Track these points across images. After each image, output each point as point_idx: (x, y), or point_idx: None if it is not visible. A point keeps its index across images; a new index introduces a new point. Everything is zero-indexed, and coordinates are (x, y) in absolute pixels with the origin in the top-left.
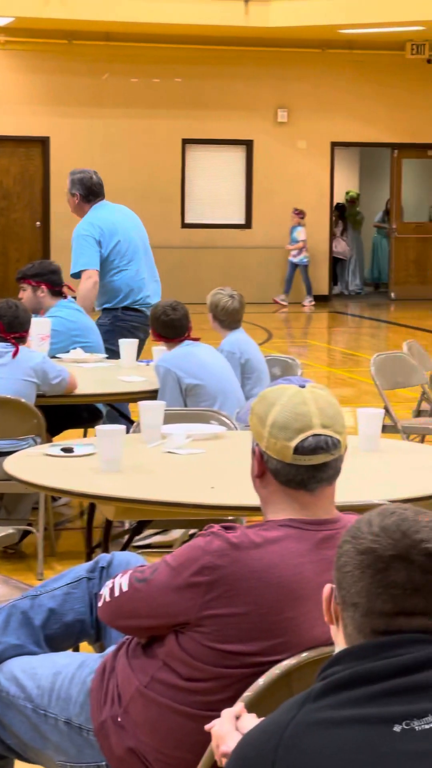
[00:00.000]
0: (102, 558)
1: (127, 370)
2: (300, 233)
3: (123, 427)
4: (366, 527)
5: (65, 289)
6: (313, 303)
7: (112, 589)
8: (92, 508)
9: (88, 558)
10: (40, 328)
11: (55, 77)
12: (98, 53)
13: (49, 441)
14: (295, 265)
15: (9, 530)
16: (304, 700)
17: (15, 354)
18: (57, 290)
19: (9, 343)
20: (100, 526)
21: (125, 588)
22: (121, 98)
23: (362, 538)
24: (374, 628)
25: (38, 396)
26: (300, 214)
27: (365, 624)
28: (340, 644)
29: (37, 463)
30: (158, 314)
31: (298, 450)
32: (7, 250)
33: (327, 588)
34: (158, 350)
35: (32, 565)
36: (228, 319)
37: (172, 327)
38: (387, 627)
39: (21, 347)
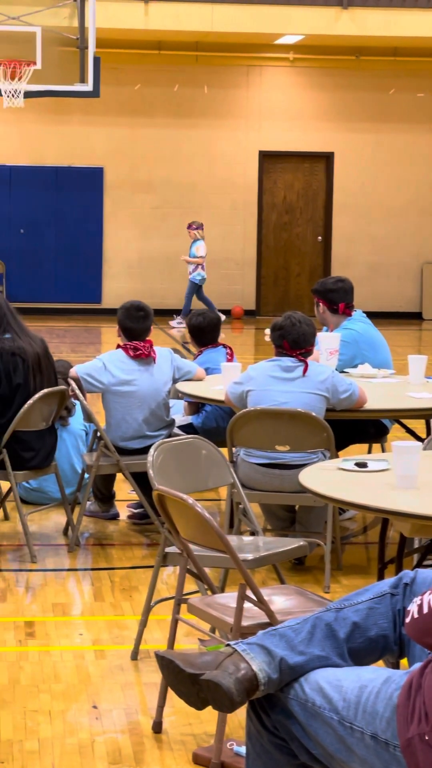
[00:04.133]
0: (405, 575)
1: (417, 386)
2: (199, 248)
3: (419, 443)
4: None
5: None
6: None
7: (420, 606)
8: (385, 523)
9: (380, 574)
10: (328, 342)
11: (342, 93)
12: (385, 68)
13: (336, 455)
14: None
15: (300, 542)
16: None
17: (305, 371)
18: (334, 308)
19: (296, 359)
20: (391, 541)
21: None
22: (406, 113)
23: None
24: None
25: (327, 410)
26: (194, 227)
27: None
28: None
29: (332, 477)
30: None
31: None
32: (289, 264)
33: None
34: None
35: (318, 577)
36: None
37: None
38: None
39: (309, 362)
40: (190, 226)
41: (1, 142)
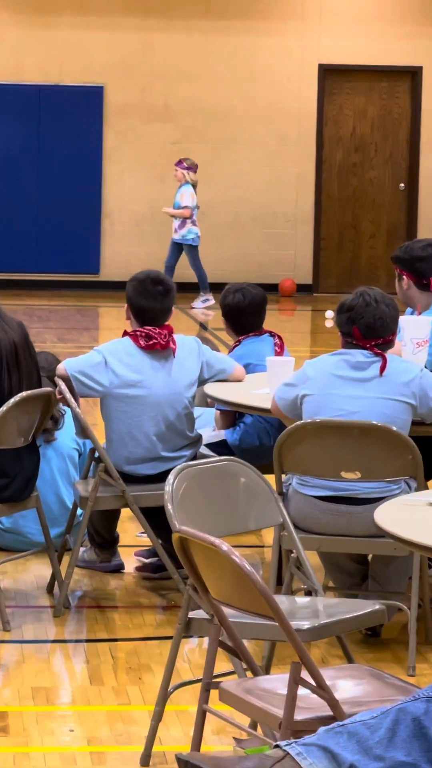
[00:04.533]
0: None
1: None
2: (184, 195)
3: None
4: None
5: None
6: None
7: None
8: None
9: None
10: (415, 330)
11: None
12: None
13: (425, 486)
14: (177, 246)
15: (375, 606)
16: None
17: (383, 369)
18: (424, 284)
19: (371, 353)
20: None
21: None
22: None
23: None
24: None
25: (414, 423)
26: (185, 165)
27: None
28: None
29: (419, 516)
30: None
31: None
32: (359, 221)
33: None
34: None
35: (400, 655)
36: None
37: None
38: None
39: (389, 356)
40: (179, 164)
41: None
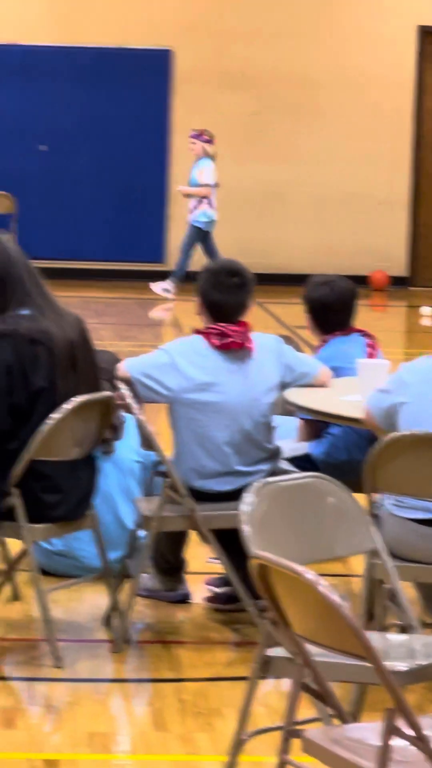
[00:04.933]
0: None
1: None
2: (203, 172)
3: None
4: None
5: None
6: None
7: None
8: None
9: None
10: None
11: None
12: None
13: None
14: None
15: None
16: None
17: None
18: None
19: None
20: None
21: None
22: None
23: None
24: None
25: None
26: (205, 138)
27: None
28: None
29: None
30: None
31: None
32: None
33: None
34: None
35: None
36: None
37: None
38: None
39: None
40: (198, 136)
41: (14, 12)
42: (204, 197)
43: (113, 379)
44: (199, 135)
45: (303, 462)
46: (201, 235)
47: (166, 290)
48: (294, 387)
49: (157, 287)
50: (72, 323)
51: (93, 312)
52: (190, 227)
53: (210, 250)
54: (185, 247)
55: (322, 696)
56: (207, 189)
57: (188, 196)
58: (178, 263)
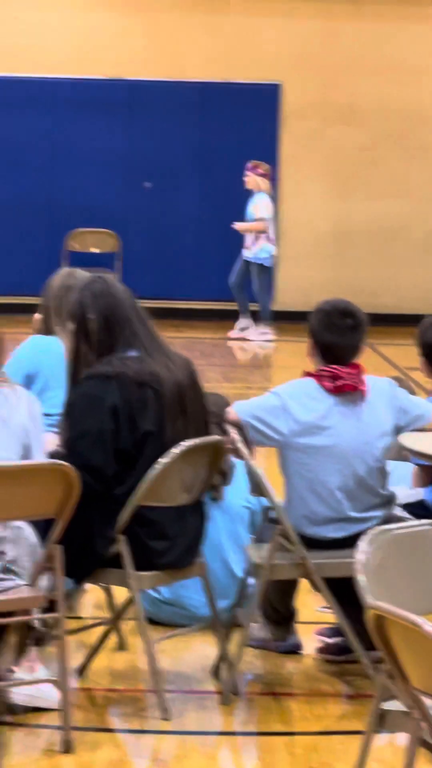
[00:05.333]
0: None
1: None
2: (259, 206)
3: None
4: None
5: None
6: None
7: None
8: None
9: None
10: None
11: None
12: None
13: None
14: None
15: None
16: None
17: None
18: None
19: None
20: None
21: None
22: None
23: None
24: None
25: None
26: (260, 171)
27: None
28: None
29: None
30: None
31: None
32: None
33: None
34: None
35: None
36: None
37: None
38: None
39: None
40: (253, 169)
41: (118, 46)
42: (261, 232)
43: (223, 423)
44: (254, 168)
45: (418, 509)
46: (265, 271)
47: (264, 333)
48: (408, 431)
49: (254, 334)
50: (181, 365)
51: (199, 353)
52: (256, 266)
53: (237, 283)
54: (258, 287)
55: None
56: (264, 223)
57: (243, 232)
58: (261, 306)
